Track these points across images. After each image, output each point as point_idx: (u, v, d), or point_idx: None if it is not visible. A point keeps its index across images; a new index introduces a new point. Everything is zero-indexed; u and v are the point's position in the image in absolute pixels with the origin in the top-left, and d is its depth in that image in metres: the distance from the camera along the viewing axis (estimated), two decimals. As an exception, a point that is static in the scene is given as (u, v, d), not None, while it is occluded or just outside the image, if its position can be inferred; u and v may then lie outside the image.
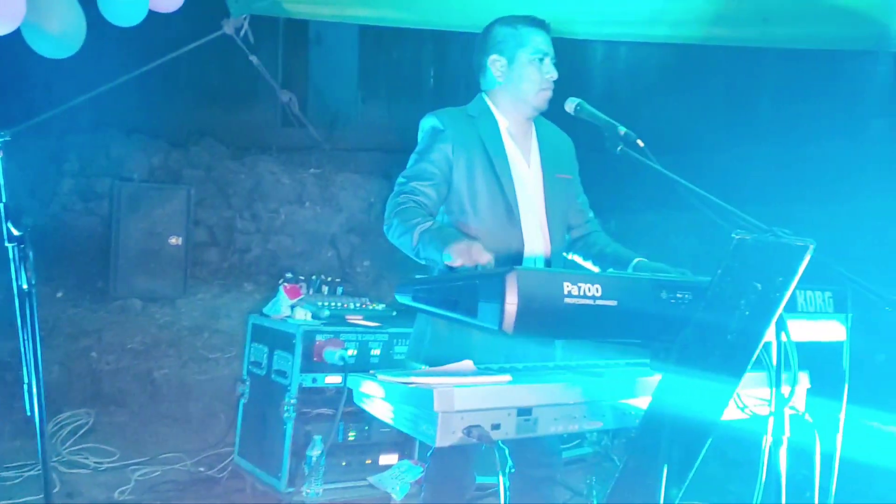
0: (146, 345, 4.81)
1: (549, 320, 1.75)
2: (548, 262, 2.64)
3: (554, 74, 2.63)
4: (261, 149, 5.83)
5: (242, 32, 4.94)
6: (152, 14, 4.30)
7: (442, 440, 1.69)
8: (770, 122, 7.18)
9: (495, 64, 2.65)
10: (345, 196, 5.55)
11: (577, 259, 2.80)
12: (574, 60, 7.20)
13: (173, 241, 4.88)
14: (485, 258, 2.10)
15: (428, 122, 2.65)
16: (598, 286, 1.79)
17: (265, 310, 3.80)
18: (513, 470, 2.66)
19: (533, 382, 1.88)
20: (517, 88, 2.63)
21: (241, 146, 5.83)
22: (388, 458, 3.68)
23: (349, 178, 5.64)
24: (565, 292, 1.75)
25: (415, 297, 1.97)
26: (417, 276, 2.06)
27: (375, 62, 8.05)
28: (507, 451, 2.63)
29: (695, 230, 5.79)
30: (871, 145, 6.06)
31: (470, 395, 1.73)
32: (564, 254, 2.80)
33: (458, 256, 2.12)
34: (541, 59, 2.61)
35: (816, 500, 2.06)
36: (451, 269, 2.18)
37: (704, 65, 7.16)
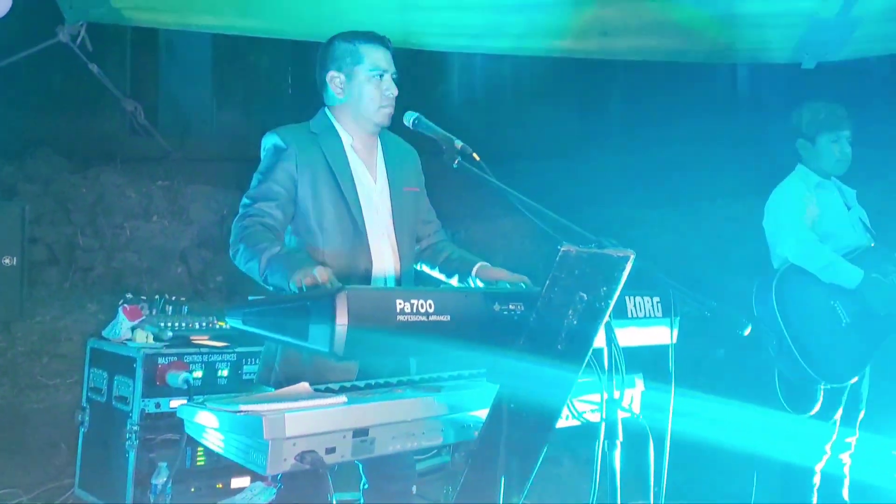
0: (-24, 373, 4.47)
1: (381, 340, 1.74)
2: (398, 279, 2.63)
3: (394, 91, 2.61)
4: (105, 160, 5.53)
5: (79, 40, 4.68)
6: (-21, 20, 4.02)
7: (272, 468, 1.65)
8: (616, 129, 7.52)
9: (334, 80, 2.62)
10: (195, 209, 5.35)
11: (426, 269, 2.82)
12: (431, 70, 7.27)
13: (6, 260, 4.54)
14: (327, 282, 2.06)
15: (269, 141, 2.59)
16: (430, 302, 1.80)
17: (104, 332, 3.61)
18: (367, 486, 2.67)
19: (369, 402, 1.86)
20: (357, 105, 2.60)
21: (83, 157, 5.52)
22: (239, 482, 3.57)
23: (200, 190, 5.44)
24: (397, 310, 1.75)
25: (245, 321, 1.91)
26: (250, 298, 2.01)
27: (230, 68, 7.85)
28: (361, 468, 2.63)
29: (547, 235, 5.97)
30: (708, 150, 6.44)
31: (302, 420, 1.69)
32: (414, 265, 2.81)
33: (301, 284, 2.06)
34: (380, 76, 2.58)
35: (652, 497, 2.14)
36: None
37: (557, 76, 7.41)
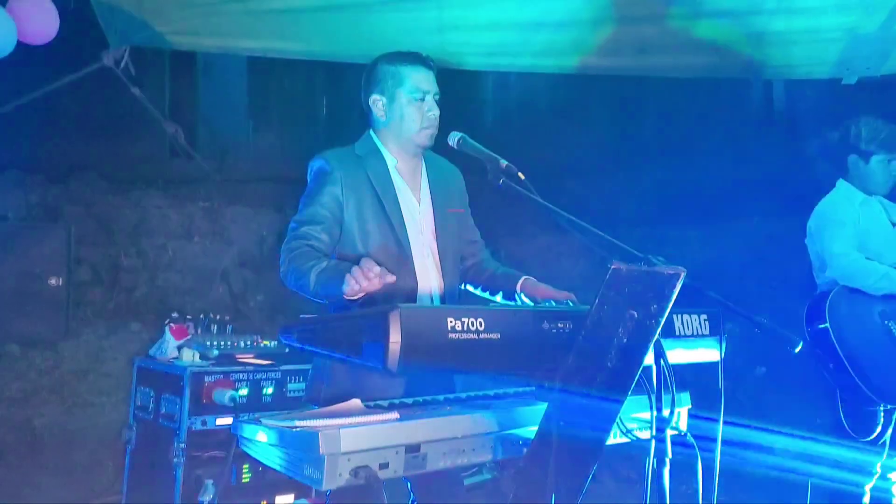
0: (25, 392, 4.55)
1: (433, 356, 1.76)
2: (442, 298, 2.65)
3: (436, 112, 2.62)
4: (146, 182, 5.64)
5: (123, 64, 4.79)
6: (27, 46, 4.13)
7: (328, 483, 1.67)
8: (652, 147, 7.48)
9: (377, 103, 2.65)
10: (236, 229, 5.43)
11: (470, 288, 2.84)
12: (466, 90, 7.32)
13: (53, 281, 4.65)
14: (379, 277, 2.08)
15: (316, 165, 2.63)
16: (481, 320, 1.82)
17: (151, 351, 3.67)
18: (415, 502, 2.68)
19: (420, 418, 1.88)
20: (399, 127, 2.63)
21: (126, 180, 5.63)
22: (284, 499, 3.60)
23: (240, 211, 5.53)
24: (449, 328, 1.77)
25: (299, 339, 1.94)
26: (302, 317, 2.04)
27: (266, 91, 7.95)
28: (409, 485, 2.65)
29: (585, 252, 5.97)
30: (745, 168, 6.39)
31: (356, 436, 1.71)
32: (459, 285, 2.83)
33: (354, 283, 2.09)
34: (421, 99, 2.60)
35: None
36: (349, 302, 2.17)
37: (590, 93, 7.41)
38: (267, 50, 4.87)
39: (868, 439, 3.24)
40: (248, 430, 1.88)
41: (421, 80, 2.61)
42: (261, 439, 1.85)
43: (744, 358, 4.50)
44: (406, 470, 1.81)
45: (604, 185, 6.64)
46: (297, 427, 1.73)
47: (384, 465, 1.76)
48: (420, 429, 1.83)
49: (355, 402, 1.98)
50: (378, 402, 2.11)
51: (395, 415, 1.84)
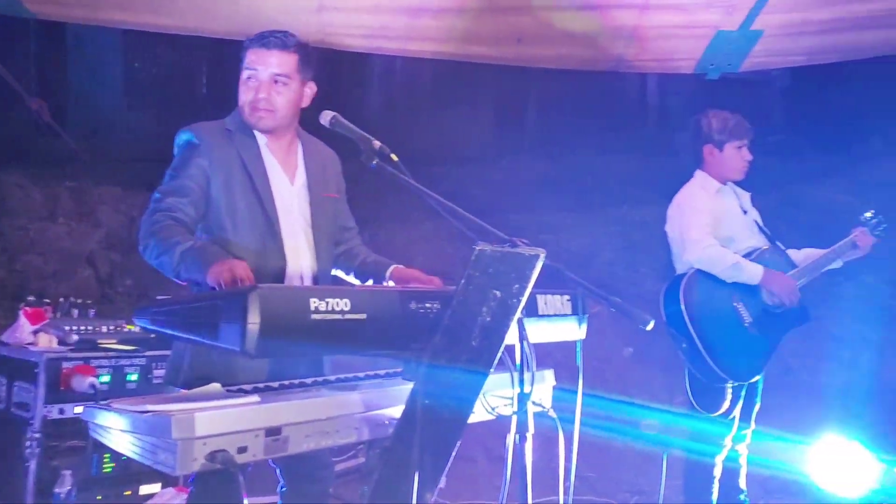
0: None
1: (295, 338, 1.73)
2: (315, 280, 2.61)
3: (265, 95, 2.54)
4: (7, 160, 5.32)
5: (-21, 34, 4.49)
6: None
7: (182, 468, 1.62)
8: (532, 136, 7.67)
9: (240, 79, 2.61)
10: (104, 210, 5.20)
11: (340, 273, 2.81)
12: (351, 73, 7.27)
13: None
14: (246, 278, 2.04)
15: (183, 137, 2.54)
16: (346, 300, 1.80)
17: (4, 337, 3.47)
18: (284, 488, 2.65)
19: (283, 401, 1.85)
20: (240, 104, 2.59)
21: (-16, 157, 5.30)
22: (149, 489, 3.48)
23: (109, 191, 5.30)
24: (312, 308, 1.74)
25: (153, 321, 1.87)
26: (158, 298, 1.97)
27: (142, 67, 7.66)
28: (278, 470, 2.61)
29: (468, 240, 6.04)
30: (618, 157, 6.64)
31: (212, 419, 1.67)
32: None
33: (219, 278, 2.04)
34: (249, 78, 2.54)
35: (561, 489, 2.20)
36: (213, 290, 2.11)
37: (475, 82, 7.51)
38: (140, 23, 4.66)
39: (717, 414, 3.43)
40: (99, 416, 1.80)
41: (254, 60, 2.54)
42: (112, 425, 1.78)
43: (612, 339, 4.68)
44: (266, 453, 1.77)
45: (485, 172, 6.74)
46: (148, 412, 1.67)
47: (242, 449, 1.71)
48: (281, 411, 1.80)
49: (215, 387, 1.93)
50: (241, 387, 2.07)
51: (255, 398, 1.81)
